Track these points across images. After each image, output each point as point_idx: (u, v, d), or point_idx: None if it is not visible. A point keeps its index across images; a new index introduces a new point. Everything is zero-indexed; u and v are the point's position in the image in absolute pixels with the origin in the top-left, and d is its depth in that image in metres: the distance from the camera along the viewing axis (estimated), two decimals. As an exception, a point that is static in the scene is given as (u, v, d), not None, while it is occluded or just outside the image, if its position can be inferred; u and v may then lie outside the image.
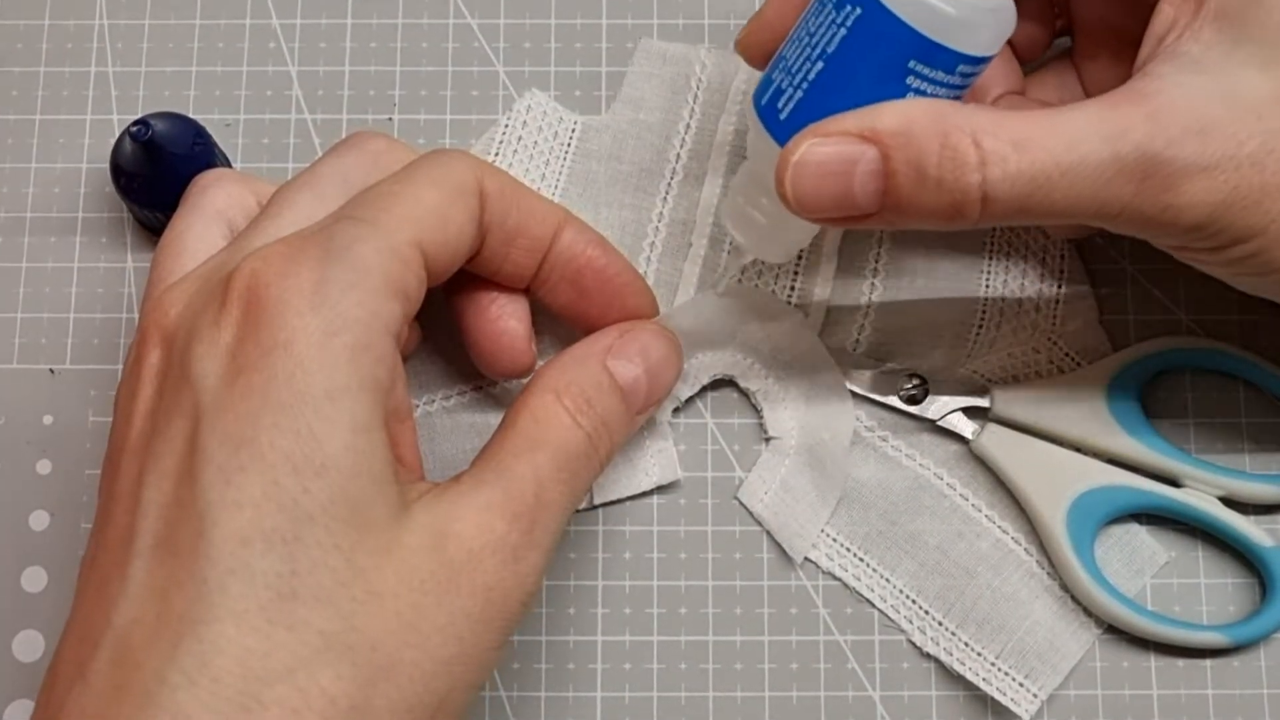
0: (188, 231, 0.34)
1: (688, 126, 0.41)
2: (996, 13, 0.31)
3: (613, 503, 0.39)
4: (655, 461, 0.39)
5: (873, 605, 0.38)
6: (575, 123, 0.41)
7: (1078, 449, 0.38)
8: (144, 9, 0.43)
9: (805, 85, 0.32)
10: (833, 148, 0.31)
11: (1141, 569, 0.38)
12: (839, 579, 0.38)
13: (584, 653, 0.38)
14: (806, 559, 0.38)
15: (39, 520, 0.39)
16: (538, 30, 0.43)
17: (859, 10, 0.31)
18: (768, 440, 0.39)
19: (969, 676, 0.37)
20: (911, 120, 0.30)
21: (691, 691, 0.38)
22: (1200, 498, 0.38)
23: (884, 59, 0.31)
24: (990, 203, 0.30)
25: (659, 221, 0.40)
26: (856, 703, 0.38)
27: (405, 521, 0.29)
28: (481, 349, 0.36)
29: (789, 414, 0.39)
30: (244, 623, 0.27)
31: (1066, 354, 0.39)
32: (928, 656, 0.38)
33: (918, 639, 0.38)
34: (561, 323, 0.37)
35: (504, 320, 0.35)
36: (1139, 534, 0.39)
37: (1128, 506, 0.38)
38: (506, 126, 0.41)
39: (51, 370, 0.40)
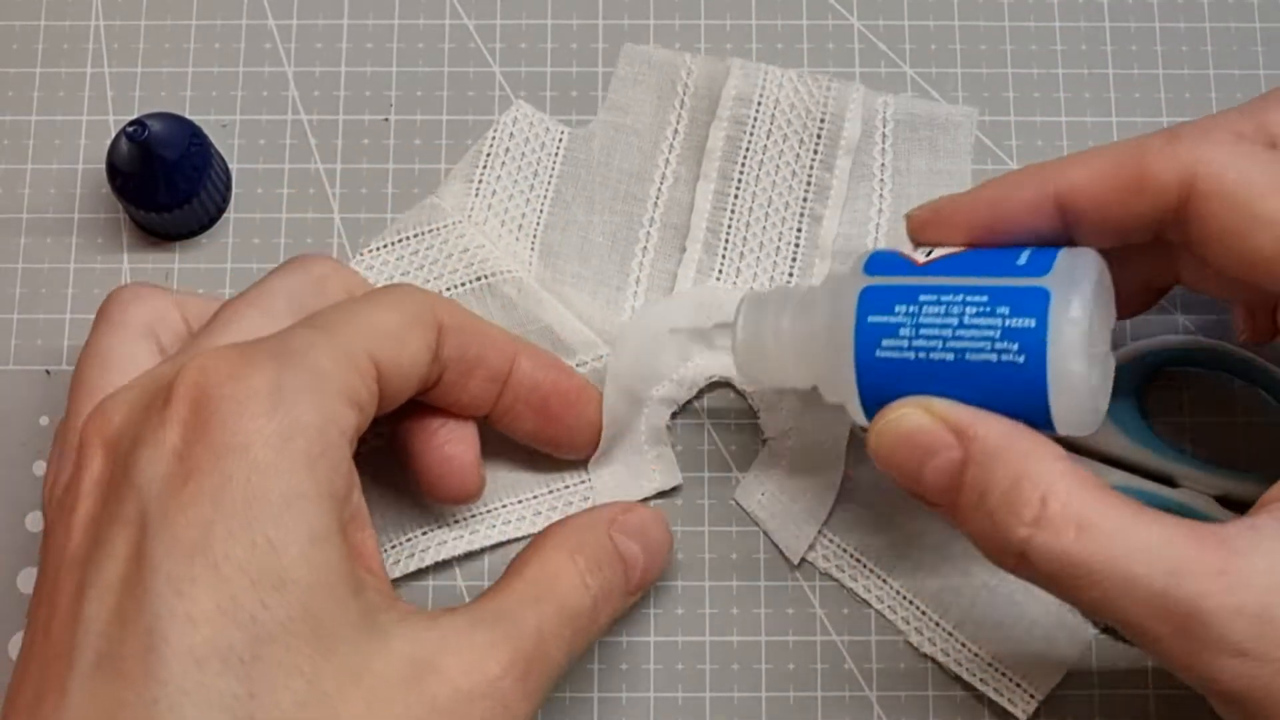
0: (113, 349, 0.32)
1: (676, 132, 0.41)
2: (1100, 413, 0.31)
3: (609, 504, 0.39)
4: (656, 467, 0.39)
5: (869, 606, 0.38)
6: (562, 132, 0.41)
7: (1074, 448, 0.38)
8: (140, 9, 0.43)
9: (922, 356, 0.31)
10: (930, 426, 0.30)
11: (1138, 569, 0.38)
12: (836, 579, 0.38)
13: (581, 653, 0.38)
14: (803, 560, 0.38)
15: (35, 522, 0.39)
16: (534, 31, 0.43)
17: (1023, 358, 0.29)
18: (765, 441, 0.39)
19: (965, 677, 0.37)
20: (1003, 447, 0.29)
21: (688, 692, 0.38)
22: (1196, 497, 0.38)
23: (1007, 406, 0.30)
24: (1024, 561, 0.29)
25: (650, 226, 0.40)
26: (853, 703, 0.38)
27: (379, 645, 0.28)
28: (430, 473, 0.35)
29: (786, 415, 0.39)
30: None
31: (1063, 354, 0.39)
32: (924, 657, 0.38)
33: (914, 639, 0.38)
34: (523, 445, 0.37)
35: (452, 445, 0.35)
36: (1136, 534, 0.39)
37: (1124, 507, 0.38)
38: (493, 139, 0.41)
39: (47, 371, 0.40)
